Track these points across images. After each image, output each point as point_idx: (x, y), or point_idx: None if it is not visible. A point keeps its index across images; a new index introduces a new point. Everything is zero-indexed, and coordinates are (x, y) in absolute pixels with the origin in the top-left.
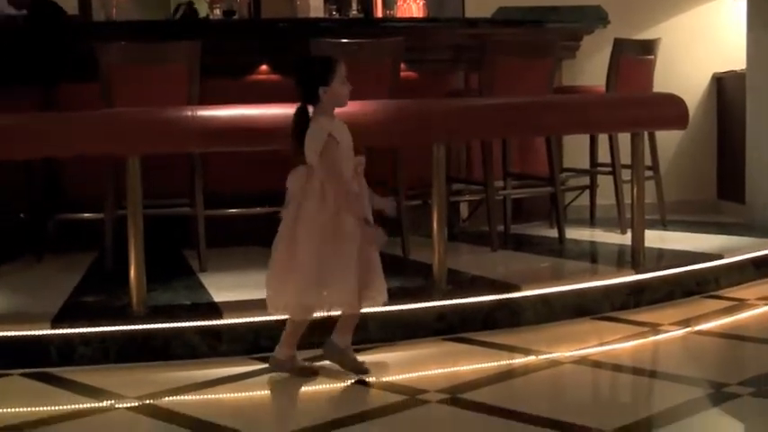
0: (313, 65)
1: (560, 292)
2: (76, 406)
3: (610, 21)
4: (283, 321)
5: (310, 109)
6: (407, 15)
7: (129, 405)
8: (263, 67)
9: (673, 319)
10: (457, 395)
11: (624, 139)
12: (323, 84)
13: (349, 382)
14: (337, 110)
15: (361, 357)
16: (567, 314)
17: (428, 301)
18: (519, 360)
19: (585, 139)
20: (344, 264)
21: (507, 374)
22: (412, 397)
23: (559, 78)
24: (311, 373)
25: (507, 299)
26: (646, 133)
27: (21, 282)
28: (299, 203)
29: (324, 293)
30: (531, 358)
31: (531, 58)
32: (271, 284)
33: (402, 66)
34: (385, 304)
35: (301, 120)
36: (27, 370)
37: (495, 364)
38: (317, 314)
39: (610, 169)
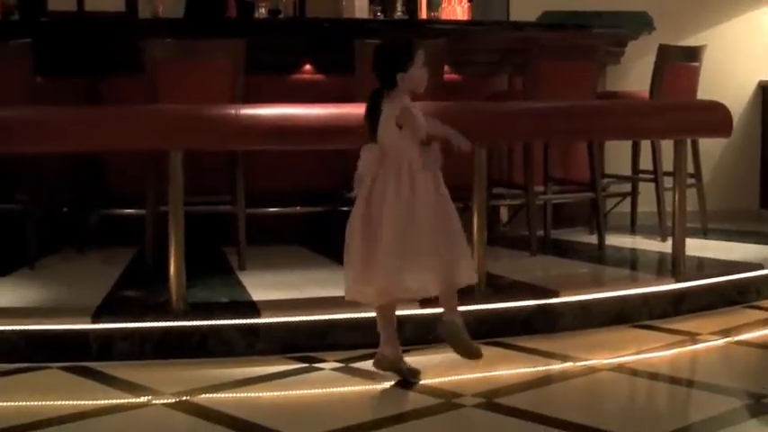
0: (392, 51)
1: (599, 298)
2: (114, 401)
3: (655, 27)
4: (319, 321)
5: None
6: (452, 17)
7: (165, 401)
8: (307, 67)
9: (712, 329)
10: (493, 400)
11: (667, 146)
12: (401, 70)
13: (387, 384)
14: None
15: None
16: (606, 321)
17: (467, 304)
18: (556, 366)
19: (628, 145)
20: (426, 241)
21: (544, 380)
22: (448, 400)
23: (603, 84)
24: (415, 375)
25: (546, 304)
26: (689, 141)
27: (62, 275)
28: (373, 184)
29: (407, 276)
30: (569, 365)
31: (575, 63)
32: (349, 273)
33: (446, 68)
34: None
35: (376, 103)
36: (67, 364)
37: (533, 369)
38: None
39: (652, 176)
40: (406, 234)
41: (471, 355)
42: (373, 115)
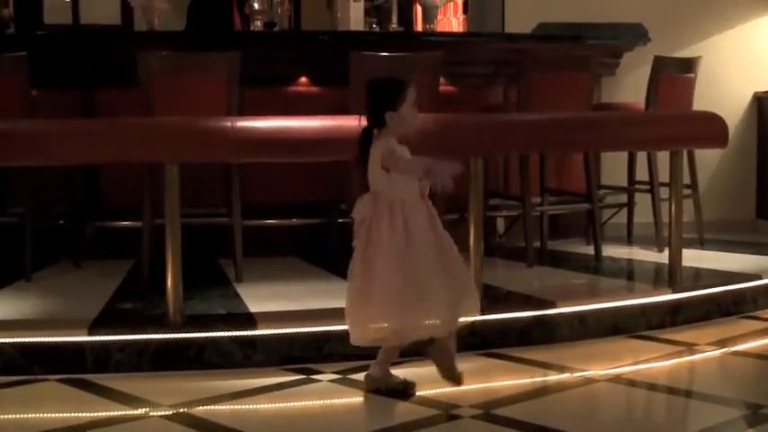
0: (383, 87)
1: (596, 309)
2: (111, 413)
3: (650, 38)
4: (316, 333)
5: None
6: (447, 29)
7: (163, 413)
8: (303, 79)
9: (709, 339)
10: (490, 411)
11: (663, 157)
12: (390, 108)
13: (385, 396)
14: None
15: (395, 371)
16: (603, 332)
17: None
18: (553, 377)
19: (624, 156)
20: (429, 284)
21: (541, 391)
22: (446, 412)
23: (599, 95)
24: (409, 387)
25: (543, 315)
26: (685, 151)
27: (58, 287)
28: (368, 229)
29: (413, 314)
30: (566, 375)
31: (569, 74)
32: (350, 317)
33: (441, 80)
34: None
35: (365, 143)
36: (63, 376)
37: (530, 380)
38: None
39: (648, 187)
40: (406, 277)
41: (453, 379)
42: (363, 157)
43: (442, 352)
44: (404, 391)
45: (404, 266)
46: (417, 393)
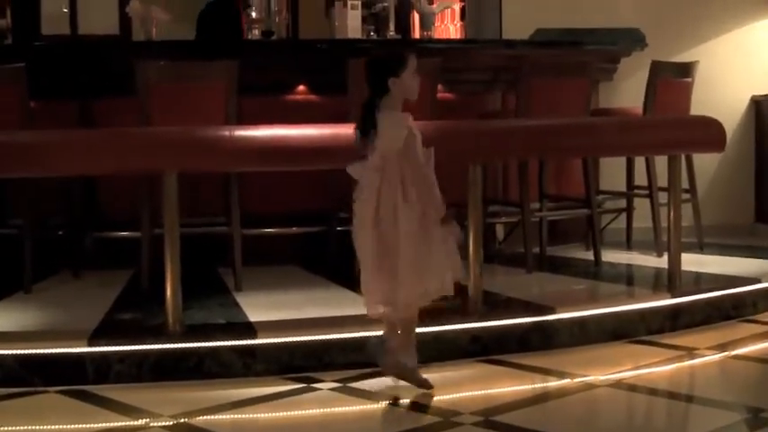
0: (384, 58)
1: (596, 314)
2: (111, 424)
3: (647, 43)
4: (316, 341)
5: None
6: (445, 36)
7: (163, 423)
8: (301, 87)
9: (709, 344)
10: (491, 417)
11: (661, 161)
12: (393, 75)
13: (385, 404)
14: None
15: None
16: (603, 337)
17: (463, 322)
18: (553, 383)
19: (622, 161)
20: (437, 251)
21: (542, 397)
22: (446, 419)
23: (596, 100)
24: (429, 386)
25: (542, 321)
26: (683, 156)
27: (58, 298)
28: (377, 197)
29: (428, 282)
30: (566, 381)
31: (567, 80)
32: (368, 287)
33: (439, 87)
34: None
35: (369, 111)
36: (64, 387)
37: (530, 386)
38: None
39: (647, 192)
40: (421, 242)
41: (422, 385)
42: (367, 126)
43: (396, 366)
44: (427, 388)
45: (419, 236)
46: (417, 401)
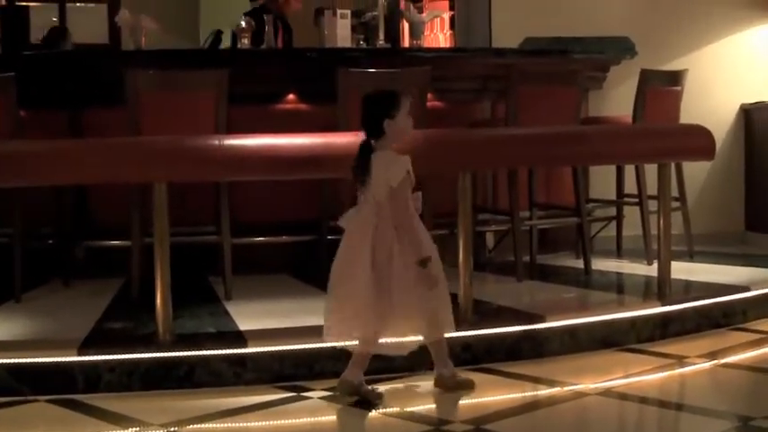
0: (378, 98)
1: (586, 323)
2: None
3: (637, 51)
4: (307, 350)
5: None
6: (434, 45)
7: None
8: (291, 96)
9: (699, 352)
10: (481, 426)
11: (651, 169)
12: (388, 117)
13: (374, 412)
14: None
15: (384, 387)
16: (593, 345)
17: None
18: (544, 391)
19: (612, 169)
20: (402, 292)
21: (532, 406)
22: (436, 427)
23: (586, 109)
24: (377, 398)
25: (533, 329)
26: (673, 164)
27: (48, 307)
28: (372, 238)
29: (386, 322)
30: (556, 390)
31: (557, 88)
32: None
33: (429, 95)
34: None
35: (365, 154)
36: (53, 396)
37: (520, 395)
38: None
39: (636, 200)
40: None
41: (465, 387)
42: (362, 168)
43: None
44: (373, 402)
45: (382, 278)
46: (408, 409)
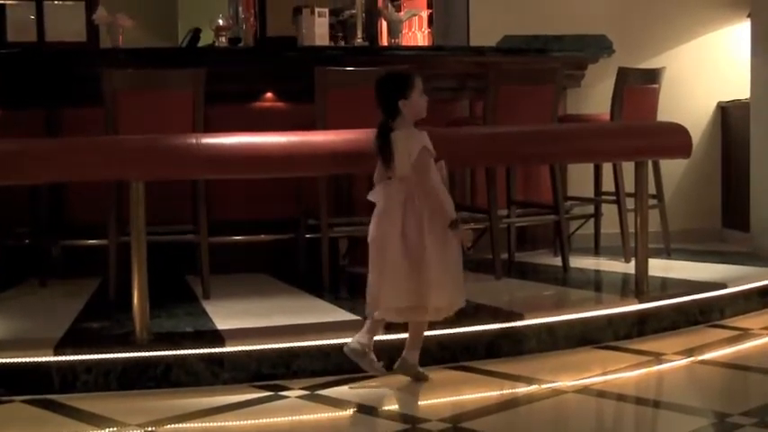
0: (392, 79)
1: (564, 320)
2: None
3: (614, 50)
4: (284, 349)
5: None
6: (413, 44)
7: None
8: (269, 95)
9: (676, 349)
10: (459, 424)
11: (629, 167)
12: (403, 97)
13: (352, 411)
14: None
15: (362, 386)
16: (571, 343)
17: (432, 329)
18: (522, 389)
19: (590, 167)
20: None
21: (510, 403)
22: (414, 426)
23: (564, 107)
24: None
25: (511, 327)
26: (650, 162)
27: (24, 307)
28: (403, 212)
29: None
30: (534, 387)
31: (534, 87)
32: (386, 294)
33: None
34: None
35: (384, 135)
36: (29, 396)
37: (498, 393)
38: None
39: (614, 198)
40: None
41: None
42: (384, 147)
43: (403, 365)
44: (374, 372)
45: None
46: (385, 408)
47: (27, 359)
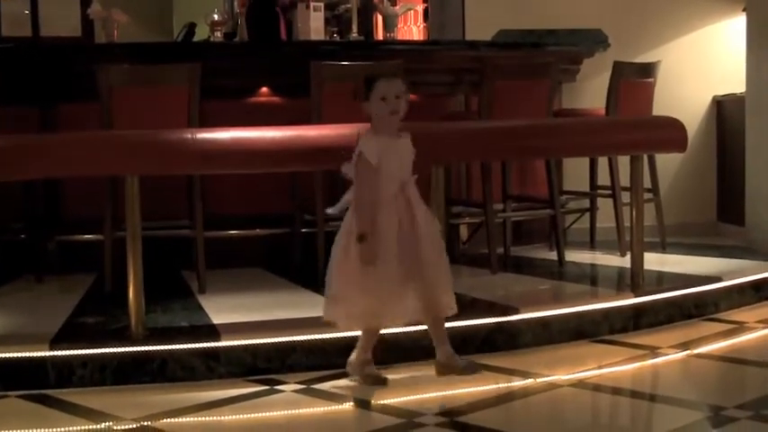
0: (362, 81)
1: (559, 314)
2: (74, 428)
3: (610, 44)
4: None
5: None
6: (408, 38)
7: (126, 427)
8: (264, 90)
9: (672, 342)
10: (455, 418)
11: (624, 161)
12: (364, 99)
13: (347, 405)
14: None
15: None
16: (566, 337)
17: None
18: (517, 383)
19: (585, 161)
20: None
21: (506, 397)
22: (409, 420)
23: (560, 101)
24: (380, 381)
25: (506, 321)
26: (645, 156)
27: (19, 303)
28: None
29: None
30: (530, 381)
31: (529, 81)
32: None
33: None
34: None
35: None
36: (25, 392)
37: (494, 387)
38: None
39: (610, 192)
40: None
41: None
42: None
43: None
44: (376, 383)
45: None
46: (381, 402)
47: (22, 354)
